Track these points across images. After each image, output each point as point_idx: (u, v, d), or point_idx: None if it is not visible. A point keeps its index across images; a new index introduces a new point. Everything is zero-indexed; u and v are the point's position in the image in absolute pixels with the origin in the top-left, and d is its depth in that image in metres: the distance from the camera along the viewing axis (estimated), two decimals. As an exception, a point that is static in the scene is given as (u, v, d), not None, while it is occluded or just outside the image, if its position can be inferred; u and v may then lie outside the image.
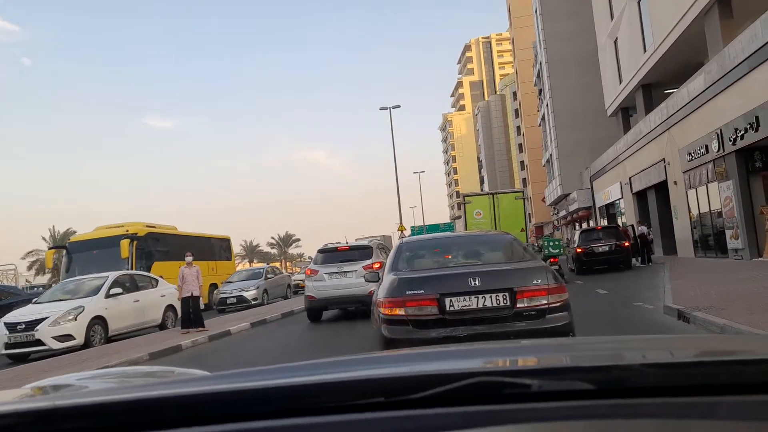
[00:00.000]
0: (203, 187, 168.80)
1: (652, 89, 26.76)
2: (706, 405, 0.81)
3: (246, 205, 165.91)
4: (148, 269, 18.96)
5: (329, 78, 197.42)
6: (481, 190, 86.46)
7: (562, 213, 46.56)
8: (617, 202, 32.22)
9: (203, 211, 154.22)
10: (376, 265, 12.53)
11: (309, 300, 12.58)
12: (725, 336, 4.60)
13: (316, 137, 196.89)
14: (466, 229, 18.39)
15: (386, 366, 1.19)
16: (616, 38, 29.83)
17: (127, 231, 18.50)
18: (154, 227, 20.32)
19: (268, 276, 21.14)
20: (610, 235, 20.80)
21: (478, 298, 5.20)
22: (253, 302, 19.55)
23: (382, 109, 40.45)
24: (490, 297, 5.20)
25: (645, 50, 24.91)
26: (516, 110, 78.78)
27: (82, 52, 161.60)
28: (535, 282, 5.28)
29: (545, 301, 5.21)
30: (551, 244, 18.45)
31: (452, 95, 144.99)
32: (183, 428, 0.85)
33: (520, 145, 78.95)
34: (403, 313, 5.22)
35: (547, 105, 44.15)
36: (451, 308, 5.18)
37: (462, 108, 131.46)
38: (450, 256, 6.50)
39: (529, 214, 57.11)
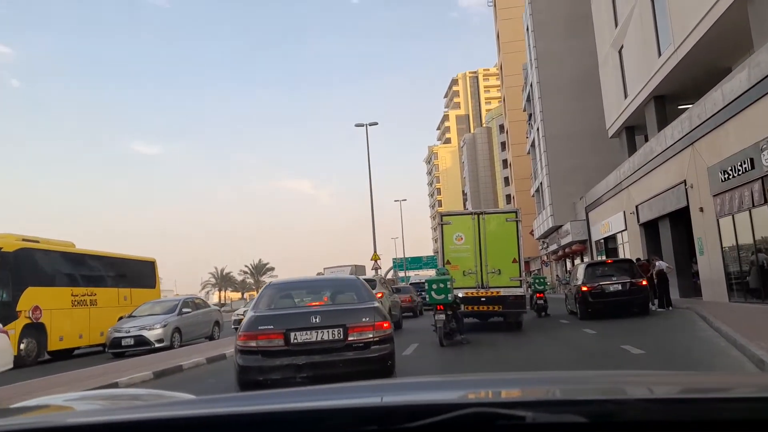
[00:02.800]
0: (182, 214, 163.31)
1: (666, 102, 22.90)
2: None
3: (225, 234, 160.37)
4: (16, 296, 14.21)
5: (313, 110, 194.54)
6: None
7: (553, 247, 42.38)
8: (619, 234, 28.06)
9: (177, 238, 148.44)
10: (378, 295, 13.82)
11: None
12: (720, 373, 4.42)
13: (300, 168, 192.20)
14: (444, 257, 14.48)
15: (381, 395, 1.19)
16: (622, 47, 26.14)
17: (-14, 244, 13.82)
18: (36, 241, 15.61)
19: (183, 311, 16.36)
20: (623, 270, 16.51)
21: (317, 332, 6.29)
22: (157, 345, 14.78)
23: (357, 125, 36.53)
24: (327, 331, 6.30)
25: (660, 54, 21.10)
26: (502, 143, 75.95)
27: (71, 73, 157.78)
28: (364, 320, 6.43)
29: (371, 335, 6.35)
30: (537, 280, 19.48)
31: (438, 128, 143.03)
32: None
33: (506, 179, 75.68)
34: (255, 345, 6.23)
35: (537, 129, 40.41)
36: (295, 341, 6.25)
37: (448, 141, 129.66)
38: (305, 297, 7.56)
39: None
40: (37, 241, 15.64)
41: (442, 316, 11.34)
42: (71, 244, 17.37)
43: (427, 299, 11.78)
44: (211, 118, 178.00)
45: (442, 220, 14.98)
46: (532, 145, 44.26)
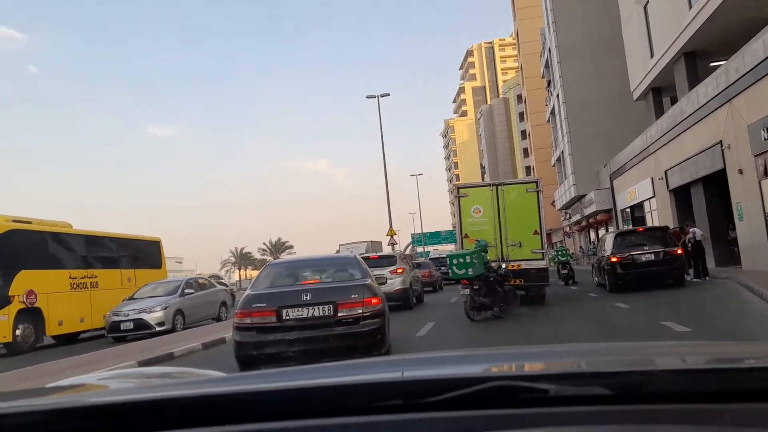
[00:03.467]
0: (201, 195, 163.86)
1: (697, 60, 21.30)
2: (726, 412, 0.79)
3: (242, 214, 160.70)
4: (8, 280, 13.46)
5: (327, 86, 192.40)
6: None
7: (576, 218, 40.99)
8: (647, 202, 26.66)
9: (198, 218, 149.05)
10: (400, 270, 15.62)
11: None
12: (749, 343, 4.00)
13: (316, 148, 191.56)
14: (462, 231, 13.96)
15: (402, 369, 1.21)
16: (647, 2, 24.43)
17: (-29, 226, 13.02)
18: (28, 222, 14.79)
19: (186, 291, 15.42)
20: (655, 239, 15.28)
21: (308, 309, 6.52)
22: (157, 328, 13.94)
23: (369, 97, 35.39)
24: (318, 308, 6.53)
25: (690, 6, 19.49)
26: (520, 113, 74.07)
27: (85, 59, 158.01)
28: (353, 296, 6.65)
29: (360, 311, 6.54)
30: (560, 252, 21.12)
31: (454, 101, 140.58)
32: (203, 427, 0.85)
33: (525, 150, 73.69)
34: (250, 321, 6.56)
35: (557, 96, 38.75)
36: (287, 318, 6.51)
37: (464, 114, 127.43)
38: (302, 276, 7.54)
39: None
40: (30, 222, 14.84)
41: (467, 291, 11.01)
42: (68, 224, 16.55)
43: (450, 275, 11.32)
44: (228, 102, 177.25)
45: (458, 193, 14.28)
46: (552, 112, 42.61)
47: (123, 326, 13.91)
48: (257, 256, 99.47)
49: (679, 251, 14.90)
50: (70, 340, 16.10)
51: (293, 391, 0.93)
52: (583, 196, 36.47)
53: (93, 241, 16.85)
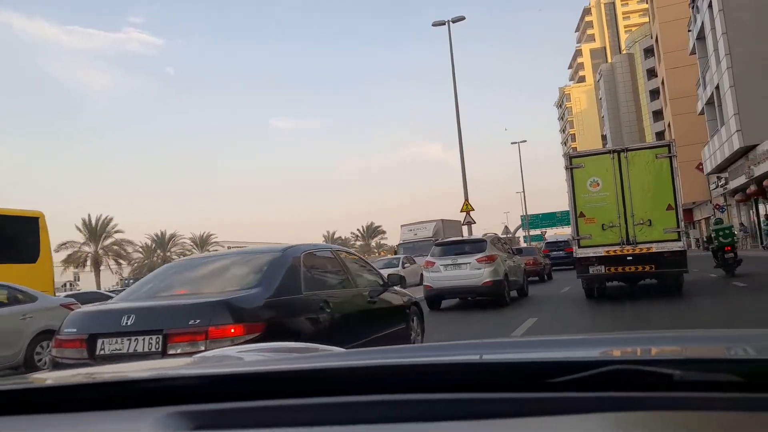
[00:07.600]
0: (300, 183, 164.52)
1: None
2: None
3: (358, 200, 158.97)
4: None
5: (421, 62, 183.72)
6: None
7: (736, 182, 29.07)
8: None
9: (303, 204, 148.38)
10: (489, 257, 13.82)
11: (426, 289, 13.54)
12: None
13: (429, 132, 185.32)
14: (576, 209, 12.27)
15: (519, 350, 1.22)
16: None
17: None
18: None
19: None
20: None
21: (130, 340, 4.13)
22: None
23: (435, 24, 26.66)
24: (141, 340, 4.12)
25: None
26: (649, 70, 61.98)
27: (213, 60, 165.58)
28: (191, 322, 4.02)
29: (203, 348, 3.82)
30: (722, 232, 15.89)
31: (570, 67, 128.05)
32: (339, 396, 0.88)
33: (656, 113, 61.65)
34: (60, 356, 4.32)
35: (709, 5, 27.05)
36: (102, 352, 4.15)
37: (582, 80, 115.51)
38: (186, 282, 5.07)
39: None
40: None
41: (731, 254, 15.12)
42: None
43: (716, 244, 14.80)
44: (340, 93, 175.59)
45: (571, 163, 12.60)
46: (699, 36, 30.74)
47: None
48: (353, 240, 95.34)
49: None
50: None
51: (419, 367, 0.96)
52: (753, 147, 25.01)
53: None
